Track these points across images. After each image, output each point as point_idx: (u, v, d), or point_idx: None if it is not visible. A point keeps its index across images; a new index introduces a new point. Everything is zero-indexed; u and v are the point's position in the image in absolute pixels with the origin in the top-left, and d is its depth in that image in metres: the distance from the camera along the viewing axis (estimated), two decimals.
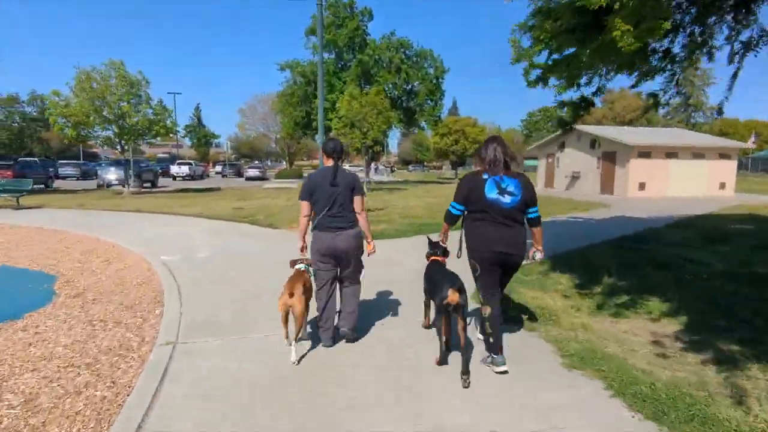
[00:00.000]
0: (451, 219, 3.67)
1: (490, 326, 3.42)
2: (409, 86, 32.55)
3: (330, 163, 3.83)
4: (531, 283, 6.10)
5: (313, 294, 3.95)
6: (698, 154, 22.56)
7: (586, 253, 7.97)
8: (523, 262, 3.62)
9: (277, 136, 57.28)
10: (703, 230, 10.58)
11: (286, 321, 3.69)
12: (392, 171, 53.67)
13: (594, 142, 23.71)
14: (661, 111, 52.80)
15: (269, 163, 79.66)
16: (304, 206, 3.83)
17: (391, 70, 30.70)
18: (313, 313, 4.03)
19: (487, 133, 43.39)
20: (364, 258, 4.02)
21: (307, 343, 3.98)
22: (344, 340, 4.00)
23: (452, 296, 3.20)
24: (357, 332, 4.05)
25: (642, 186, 21.93)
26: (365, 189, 23.43)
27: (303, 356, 3.76)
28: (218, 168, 50.89)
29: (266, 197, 20.03)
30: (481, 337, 3.76)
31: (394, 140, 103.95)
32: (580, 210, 15.60)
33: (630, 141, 21.73)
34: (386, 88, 29.11)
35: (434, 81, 32.48)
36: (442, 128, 41.30)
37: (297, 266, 3.98)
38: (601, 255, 7.74)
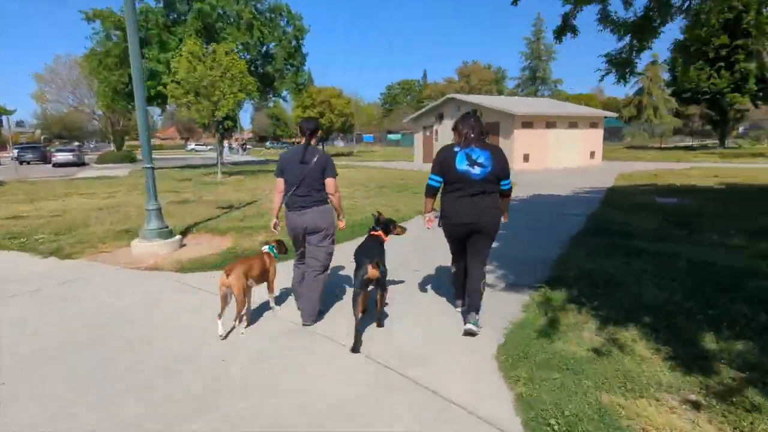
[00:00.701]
0: (431, 191, 3.77)
1: (454, 283, 4.11)
2: (264, 48, 27.47)
3: (302, 142, 3.87)
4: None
5: (274, 275, 4.11)
6: (573, 123, 22.48)
7: (581, 264, 5.39)
8: None
9: (95, 110, 46.13)
10: (652, 211, 8.91)
11: (224, 301, 3.66)
12: (245, 150, 47.40)
13: (475, 113, 22.11)
14: (511, 84, 55.94)
15: (93, 146, 65.82)
16: (279, 183, 3.87)
17: (240, 26, 25.24)
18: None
19: (354, 104, 40.34)
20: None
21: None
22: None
23: (372, 272, 3.45)
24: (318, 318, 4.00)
25: (526, 158, 21.04)
26: (219, 174, 18.94)
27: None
28: (15, 153, 38.94)
29: (73, 195, 13.99)
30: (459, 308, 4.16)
31: (246, 114, 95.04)
32: None
33: (513, 110, 20.51)
34: (237, 49, 23.76)
35: (294, 42, 27.92)
36: (306, 99, 36.89)
37: (263, 247, 4.13)
38: (604, 268, 5.25)
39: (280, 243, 4.26)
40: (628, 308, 4.15)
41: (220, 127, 21.24)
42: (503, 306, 4.35)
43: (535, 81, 48.09)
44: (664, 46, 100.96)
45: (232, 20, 25.42)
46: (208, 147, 54.86)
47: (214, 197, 12.74)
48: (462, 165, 3.53)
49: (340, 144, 69.55)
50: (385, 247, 3.96)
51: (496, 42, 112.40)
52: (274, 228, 4.04)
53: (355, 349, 3.38)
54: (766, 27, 4.68)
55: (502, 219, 3.77)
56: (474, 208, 3.55)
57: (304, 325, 3.92)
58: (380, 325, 3.81)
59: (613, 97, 53.86)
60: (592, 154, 23.31)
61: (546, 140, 21.56)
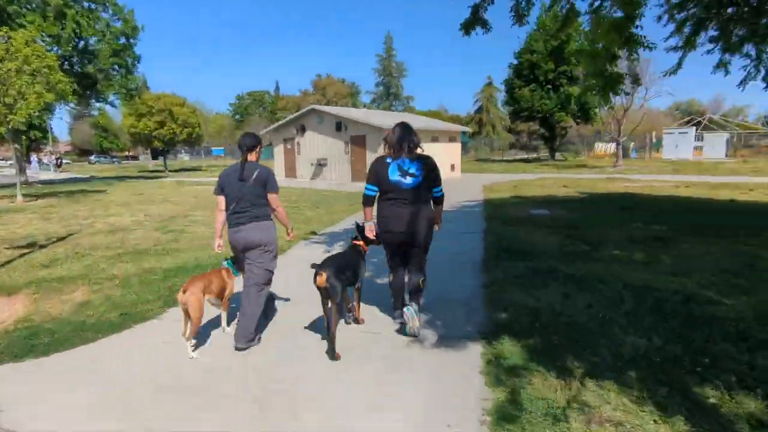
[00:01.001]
0: (367, 201, 3.79)
1: (392, 292, 3.97)
2: (82, 43, 22.70)
3: (241, 159, 3.75)
4: None
5: (231, 293, 3.91)
6: (435, 137, 22.88)
7: (517, 299, 4.33)
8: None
9: None
10: (538, 224, 8.64)
11: (185, 317, 3.52)
12: (59, 165, 39.11)
13: (340, 125, 21.12)
14: (366, 98, 56.86)
15: None
16: (219, 201, 3.74)
17: (47, 13, 20.35)
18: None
19: (199, 114, 36.27)
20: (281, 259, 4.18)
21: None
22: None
23: (319, 279, 3.34)
24: (253, 342, 3.69)
25: None
26: (19, 197, 14.56)
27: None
28: None
29: None
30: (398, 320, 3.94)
31: (61, 123, 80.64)
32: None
33: (379, 123, 19.95)
34: (43, 42, 19.01)
35: (122, 40, 23.65)
36: (141, 106, 31.78)
37: (223, 262, 3.96)
38: (545, 303, 4.25)
39: (238, 260, 3.91)
40: (612, 365, 3.18)
41: (23, 137, 16.54)
42: (453, 380, 3.11)
43: (389, 96, 49.58)
44: (499, 67, 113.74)
45: (34, 5, 20.38)
46: (8, 162, 44.54)
47: (6, 231, 9.25)
48: (394, 175, 3.65)
49: (185, 157, 62.70)
50: (364, 259, 4.01)
51: (348, 56, 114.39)
52: (218, 249, 3.90)
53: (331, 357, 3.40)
54: (581, 56, 4.66)
55: (435, 228, 3.89)
56: (407, 218, 3.65)
57: (236, 348, 3.64)
58: (331, 352, 3.43)
59: (457, 114, 58.50)
60: (453, 167, 24.06)
61: None
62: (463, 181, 20.94)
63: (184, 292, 3.42)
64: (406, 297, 3.93)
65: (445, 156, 23.18)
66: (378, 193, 3.76)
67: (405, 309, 3.66)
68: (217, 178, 3.82)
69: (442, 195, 3.82)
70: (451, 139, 24.15)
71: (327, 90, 52.68)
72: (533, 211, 10.86)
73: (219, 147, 59.46)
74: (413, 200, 3.64)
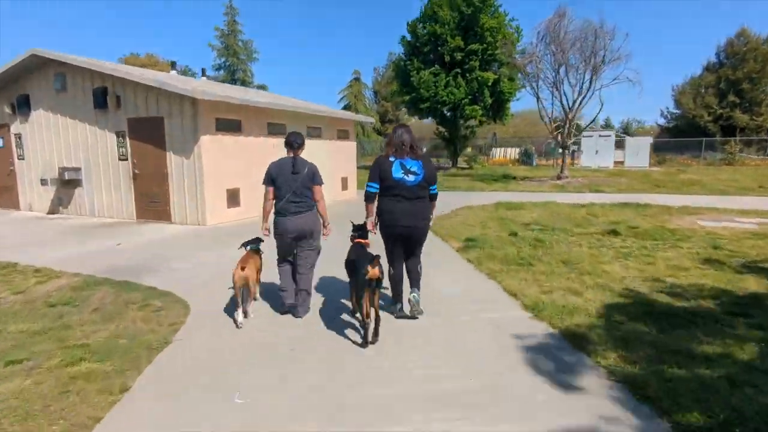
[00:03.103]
0: (370, 197, 4.08)
1: (392, 284, 4.26)
2: None
3: (291, 154, 4.24)
4: None
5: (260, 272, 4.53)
6: (313, 130, 12.48)
7: None
8: None
9: None
10: None
11: (238, 290, 4.08)
12: None
13: (105, 95, 9.50)
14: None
15: None
16: (269, 191, 4.20)
17: None
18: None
19: None
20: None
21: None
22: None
23: (372, 272, 3.52)
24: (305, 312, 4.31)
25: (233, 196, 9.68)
26: None
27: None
28: None
29: None
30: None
31: None
32: None
33: (191, 90, 8.89)
34: None
35: None
36: None
37: (248, 248, 4.51)
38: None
39: (258, 240, 4.66)
40: None
41: None
42: None
43: (234, 83, 37.41)
44: (366, 61, 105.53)
45: None
46: None
47: None
48: (398, 173, 3.94)
49: None
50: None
51: (168, 32, 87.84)
52: (265, 233, 4.39)
53: (371, 341, 3.62)
54: None
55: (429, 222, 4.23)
56: (411, 213, 3.99)
57: (296, 317, 4.28)
58: (374, 340, 3.70)
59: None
60: (344, 183, 13.98)
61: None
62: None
63: (243, 269, 4.04)
64: (405, 290, 4.26)
65: (333, 164, 12.94)
66: (380, 190, 4.00)
67: (411, 296, 4.18)
68: None
69: (437, 193, 4.19)
70: (342, 136, 14.01)
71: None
72: None
73: None
74: (415, 196, 3.98)
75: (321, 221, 4.31)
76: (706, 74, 38.97)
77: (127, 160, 9.70)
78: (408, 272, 4.25)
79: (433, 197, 4.15)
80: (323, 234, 4.38)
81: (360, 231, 4.23)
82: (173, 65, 12.46)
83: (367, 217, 4.18)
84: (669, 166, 27.23)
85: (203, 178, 8.94)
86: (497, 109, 25.01)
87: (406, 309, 4.20)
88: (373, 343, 3.61)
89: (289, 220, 4.14)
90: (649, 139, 28.17)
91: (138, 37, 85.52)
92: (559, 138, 19.37)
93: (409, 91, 24.37)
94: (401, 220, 3.96)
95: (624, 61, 17.52)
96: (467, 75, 23.72)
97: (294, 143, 4.23)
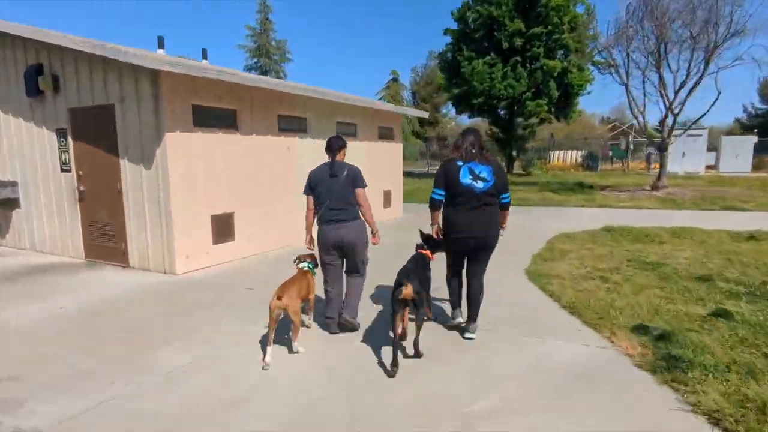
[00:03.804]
0: (435, 205, 3.77)
1: (450, 291, 4.01)
2: None
3: (329, 159, 3.91)
4: None
5: (313, 293, 3.92)
6: (347, 127, 9.06)
7: None
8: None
9: None
10: None
11: (273, 322, 3.36)
12: None
13: (38, 74, 6.43)
14: None
15: None
16: (309, 200, 3.88)
17: None
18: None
19: None
20: (370, 249, 3.99)
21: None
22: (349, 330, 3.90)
23: (405, 292, 3.26)
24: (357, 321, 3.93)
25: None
26: None
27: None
28: None
29: None
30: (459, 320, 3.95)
31: None
32: None
33: (167, 64, 5.64)
34: None
35: None
36: None
37: (300, 265, 3.90)
38: None
39: (314, 257, 4.01)
40: None
41: None
42: None
43: None
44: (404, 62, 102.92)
45: None
46: None
47: None
48: (466, 179, 3.61)
49: None
50: (430, 267, 3.88)
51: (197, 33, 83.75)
52: (309, 245, 4.00)
53: (392, 370, 3.17)
54: None
55: (502, 232, 3.87)
56: (481, 221, 3.65)
57: (346, 331, 3.92)
58: (417, 354, 3.44)
59: None
60: (387, 198, 10.50)
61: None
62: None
63: (280, 298, 3.39)
64: (463, 312, 3.95)
65: (372, 173, 9.49)
66: (446, 197, 3.72)
67: (465, 335, 3.77)
68: None
69: (509, 201, 3.83)
70: (384, 136, 10.52)
71: None
72: None
73: None
74: (485, 204, 3.64)
75: (364, 235, 3.91)
76: None
77: (70, 171, 6.57)
78: (468, 296, 3.85)
79: (504, 207, 3.81)
80: (372, 242, 3.98)
81: (428, 242, 3.95)
82: (161, 42, 9.40)
83: (431, 224, 3.88)
84: None
85: (170, 198, 5.65)
86: (564, 105, 21.01)
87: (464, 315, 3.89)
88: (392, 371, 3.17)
89: (329, 230, 3.79)
90: (754, 139, 23.25)
91: (168, 40, 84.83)
92: (656, 136, 15.24)
93: (459, 84, 20.71)
94: (468, 230, 3.67)
95: (750, 36, 13.39)
96: (529, 64, 19.88)
97: (334, 145, 3.92)
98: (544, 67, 19.29)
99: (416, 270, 3.58)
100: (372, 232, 3.95)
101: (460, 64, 20.46)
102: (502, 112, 21.66)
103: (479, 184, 3.59)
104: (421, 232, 4.07)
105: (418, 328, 3.40)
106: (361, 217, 3.87)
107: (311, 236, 3.97)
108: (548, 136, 31.33)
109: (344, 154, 4.00)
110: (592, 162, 27.17)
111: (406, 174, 15.61)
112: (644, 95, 15.20)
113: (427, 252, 3.92)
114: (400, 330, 3.38)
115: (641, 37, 14.51)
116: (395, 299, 3.32)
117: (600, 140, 33.50)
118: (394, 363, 3.17)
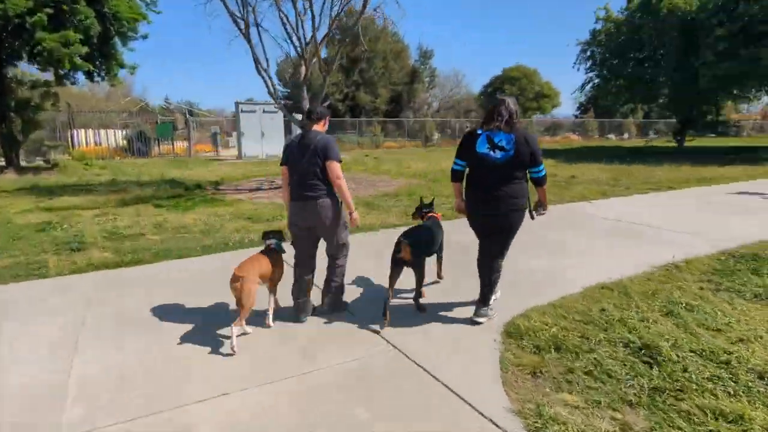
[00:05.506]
0: (455, 176, 3.59)
1: (479, 271, 3.58)
2: None
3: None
4: None
5: (280, 276, 3.66)
6: None
7: None
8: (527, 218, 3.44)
9: None
10: None
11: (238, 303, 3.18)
12: None
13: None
14: None
15: None
16: (282, 171, 3.58)
17: None
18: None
19: None
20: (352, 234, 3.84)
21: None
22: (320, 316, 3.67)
23: (403, 252, 3.39)
24: (339, 311, 3.73)
25: None
26: None
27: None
28: None
29: None
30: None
31: None
32: None
33: None
34: None
35: None
36: None
37: (267, 241, 3.62)
38: None
39: (281, 233, 3.73)
40: None
41: None
42: None
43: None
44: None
45: None
46: None
47: None
48: (482, 147, 3.32)
49: None
50: (440, 226, 4.03)
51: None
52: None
53: (382, 325, 3.37)
54: None
55: (540, 212, 3.55)
56: (491, 198, 3.32)
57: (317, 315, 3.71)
58: (420, 308, 3.66)
59: None
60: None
61: None
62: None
63: (236, 279, 3.11)
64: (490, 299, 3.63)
65: None
66: (466, 169, 3.50)
67: (473, 317, 3.51)
68: None
69: (543, 175, 3.37)
70: None
71: None
72: None
73: None
74: (499, 178, 3.27)
75: (333, 213, 3.43)
76: None
77: None
78: (480, 272, 3.50)
79: (538, 182, 3.38)
80: (349, 224, 3.57)
81: (419, 211, 4.17)
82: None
83: (455, 197, 3.68)
84: None
85: None
86: (104, 52, 14.23)
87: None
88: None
89: (294, 207, 3.44)
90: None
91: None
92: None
93: None
94: (475, 208, 3.40)
95: None
96: None
97: (312, 112, 3.54)
98: None
99: (422, 233, 3.63)
100: (349, 213, 3.48)
101: None
102: None
103: (497, 154, 3.23)
104: (422, 199, 4.27)
105: (418, 284, 3.57)
106: (334, 195, 3.41)
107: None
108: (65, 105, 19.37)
109: (323, 125, 3.56)
110: (144, 145, 21.54)
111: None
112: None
113: (437, 215, 4.11)
114: (391, 288, 3.48)
115: None
116: (392, 258, 3.46)
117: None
118: (384, 315, 3.38)
